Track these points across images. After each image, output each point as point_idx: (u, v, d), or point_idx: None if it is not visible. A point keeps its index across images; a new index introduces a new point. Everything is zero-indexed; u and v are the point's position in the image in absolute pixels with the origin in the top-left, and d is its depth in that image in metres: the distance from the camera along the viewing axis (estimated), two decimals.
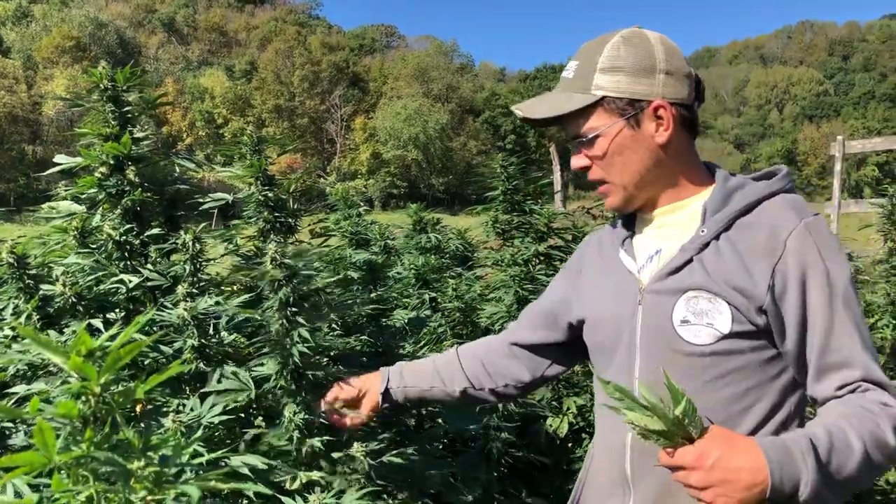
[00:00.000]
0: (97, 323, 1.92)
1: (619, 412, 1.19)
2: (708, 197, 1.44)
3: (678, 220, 1.48)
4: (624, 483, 1.47)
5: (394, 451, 2.05)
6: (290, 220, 2.67)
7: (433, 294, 3.67)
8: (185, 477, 0.90)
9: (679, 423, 1.17)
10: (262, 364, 2.02)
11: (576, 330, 1.66)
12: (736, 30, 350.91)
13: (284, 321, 1.95)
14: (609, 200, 1.53)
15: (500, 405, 2.70)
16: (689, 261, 1.39)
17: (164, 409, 1.97)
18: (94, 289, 2.05)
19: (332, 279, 2.43)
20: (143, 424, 1.98)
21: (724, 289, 1.33)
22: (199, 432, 0.88)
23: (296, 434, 1.96)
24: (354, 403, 1.89)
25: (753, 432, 1.35)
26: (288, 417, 1.96)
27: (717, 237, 1.39)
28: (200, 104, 66.51)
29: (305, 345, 1.91)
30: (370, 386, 1.86)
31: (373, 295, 2.67)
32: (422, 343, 3.63)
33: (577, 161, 1.53)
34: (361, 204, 4.86)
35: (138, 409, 2.10)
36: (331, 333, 2.31)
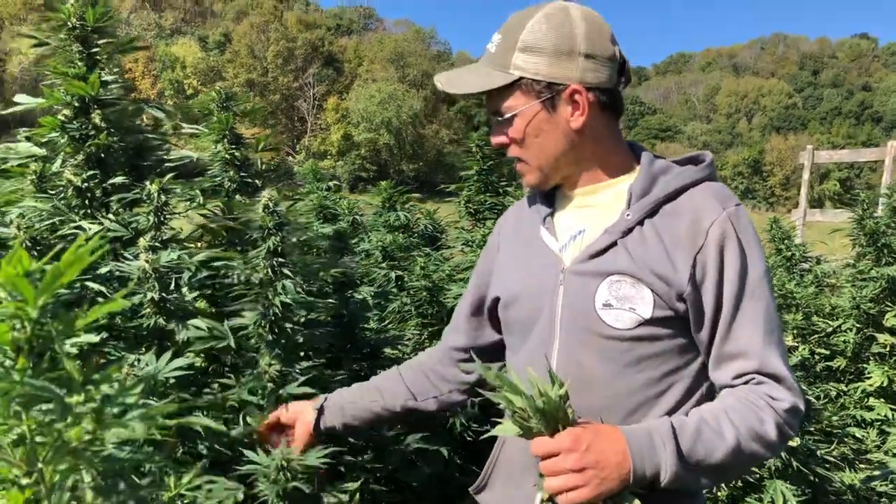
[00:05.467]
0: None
1: (499, 398, 1.22)
2: (633, 180, 1.44)
3: (601, 200, 1.48)
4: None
5: None
6: (256, 181, 2.60)
7: (399, 272, 3.61)
8: (130, 415, 0.83)
9: (559, 407, 1.21)
10: (238, 315, 1.96)
11: (494, 309, 1.64)
12: (711, 37, 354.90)
13: (269, 270, 1.90)
14: (525, 178, 1.52)
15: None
16: (614, 244, 1.39)
17: (119, 365, 1.89)
18: (51, 235, 1.95)
19: (306, 237, 2.38)
20: (97, 377, 1.91)
21: (647, 275, 1.34)
22: (141, 385, 0.81)
23: (270, 385, 1.91)
24: (290, 429, 1.81)
25: (669, 414, 1.37)
26: (263, 368, 1.91)
27: (641, 222, 1.39)
28: (171, 73, 65.38)
29: (288, 296, 1.86)
30: (303, 409, 1.79)
31: (339, 263, 2.61)
32: (387, 321, 3.58)
33: (495, 138, 1.51)
34: (329, 184, 4.80)
35: (93, 363, 2.02)
36: (303, 295, 2.25)
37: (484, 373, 1.25)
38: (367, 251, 4.21)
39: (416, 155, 65.43)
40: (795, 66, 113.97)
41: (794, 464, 2.61)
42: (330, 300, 2.39)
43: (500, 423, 1.32)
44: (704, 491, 1.54)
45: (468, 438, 2.55)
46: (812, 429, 2.90)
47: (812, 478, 2.72)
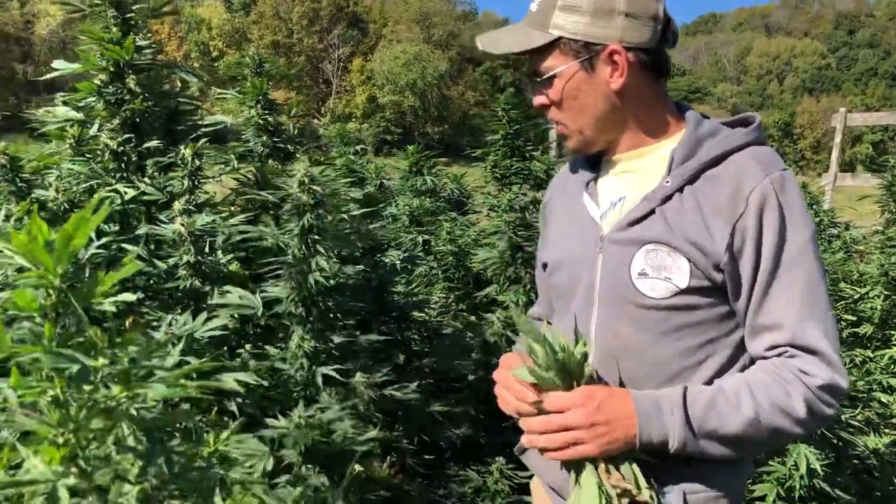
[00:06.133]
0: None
1: (523, 345, 1.24)
2: (676, 143, 1.39)
3: (643, 165, 1.44)
4: None
5: (395, 386, 2.04)
6: (288, 146, 2.62)
7: (426, 237, 3.63)
8: (156, 376, 0.86)
9: (578, 364, 1.23)
10: (273, 287, 1.99)
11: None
12: None
13: (304, 247, 1.92)
14: (567, 143, 1.51)
15: (491, 339, 2.68)
16: (652, 212, 1.36)
17: (156, 325, 1.95)
18: (88, 197, 2.00)
19: (337, 204, 2.40)
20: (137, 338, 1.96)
21: (683, 244, 1.31)
22: (181, 344, 0.84)
23: (303, 361, 1.95)
24: None
25: (708, 384, 1.35)
26: (296, 343, 1.94)
27: (681, 189, 1.35)
28: (196, 35, 65.22)
29: (322, 274, 1.88)
30: None
31: (371, 228, 2.64)
32: (414, 285, 3.62)
33: (537, 99, 1.48)
34: (357, 142, 4.80)
35: (129, 322, 2.08)
36: (335, 264, 2.28)
37: (517, 320, 1.27)
38: (395, 216, 4.24)
39: (442, 117, 64.88)
40: (830, 26, 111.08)
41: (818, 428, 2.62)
42: (359, 266, 2.43)
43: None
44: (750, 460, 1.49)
45: (495, 400, 2.58)
46: None
47: (836, 442, 2.73)
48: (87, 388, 0.87)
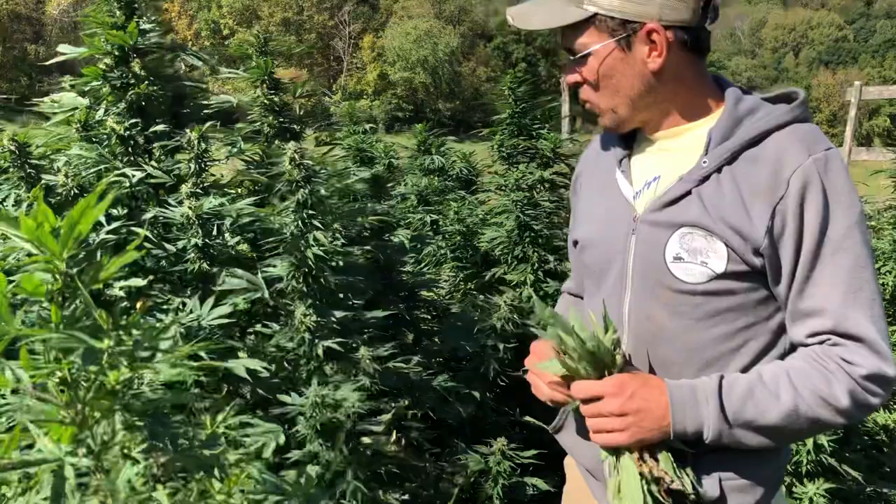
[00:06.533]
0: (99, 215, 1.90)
1: (551, 335, 1.21)
2: (714, 123, 1.34)
3: (681, 145, 1.39)
4: None
5: (398, 359, 2.06)
6: (294, 126, 2.63)
7: (435, 216, 3.64)
8: (159, 358, 0.89)
9: (607, 351, 1.21)
10: (273, 266, 2.02)
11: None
12: None
13: (300, 223, 1.94)
14: (600, 120, 1.45)
15: (498, 324, 2.70)
16: (688, 193, 1.31)
17: (165, 308, 1.98)
18: (97, 182, 2.02)
19: (343, 184, 2.42)
20: (142, 321, 2.00)
21: (720, 227, 1.26)
22: (171, 330, 0.86)
23: (306, 335, 1.97)
24: None
25: (745, 371, 1.32)
26: (299, 318, 1.97)
27: (719, 170, 1.30)
28: (207, 13, 65.03)
29: (320, 247, 1.90)
30: None
31: (377, 208, 2.65)
32: (423, 264, 3.64)
33: (569, 77, 1.42)
34: (367, 121, 4.79)
35: (139, 305, 2.11)
36: (338, 243, 2.30)
37: (539, 310, 1.24)
38: (404, 195, 4.25)
39: (453, 94, 64.59)
40: None
41: None
42: (366, 246, 2.44)
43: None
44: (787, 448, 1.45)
45: (501, 383, 2.61)
46: None
47: None
48: (93, 368, 0.90)
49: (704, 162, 1.30)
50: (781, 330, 1.33)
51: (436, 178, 4.48)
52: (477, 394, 2.41)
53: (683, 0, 1.30)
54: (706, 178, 1.30)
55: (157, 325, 0.93)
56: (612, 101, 1.38)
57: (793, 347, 1.34)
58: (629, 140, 1.48)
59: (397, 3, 71.63)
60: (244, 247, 2.32)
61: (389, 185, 4.45)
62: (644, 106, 1.38)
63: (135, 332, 0.91)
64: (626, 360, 1.26)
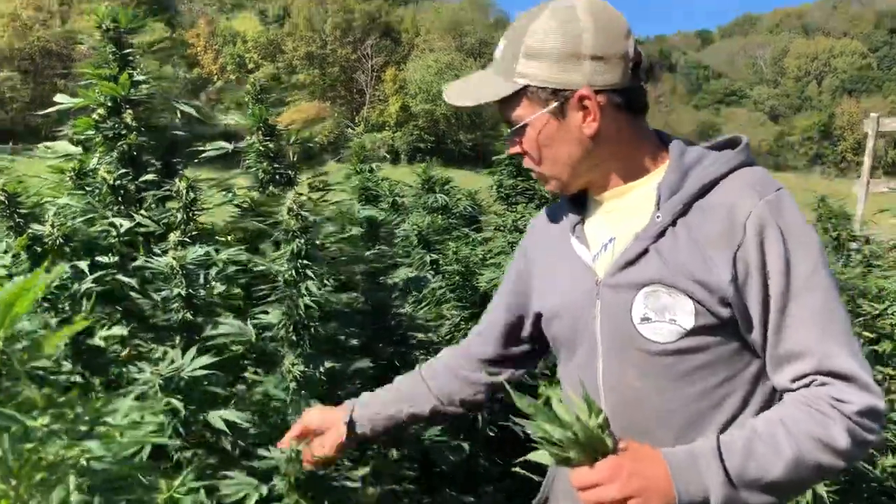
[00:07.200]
0: (83, 265, 1.92)
1: (534, 427, 1.16)
2: (662, 177, 1.34)
3: (630, 203, 1.38)
4: None
5: None
6: (289, 172, 2.66)
7: (434, 256, 3.64)
8: (97, 432, 0.89)
9: (596, 436, 1.16)
10: (265, 312, 2.03)
11: (538, 324, 1.56)
12: None
13: (294, 272, 1.95)
14: (547, 186, 1.45)
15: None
16: (646, 251, 1.30)
17: (150, 357, 1.99)
18: (85, 231, 2.05)
19: (343, 235, 2.43)
20: (125, 370, 2.01)
21: (683, 282, 1.25)
22: (108, 408, 0.85)
23: (293, 385, 1.97)
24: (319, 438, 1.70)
25: (726, 426, 1.29)
26: (287, 368, 1.98)
27: (673, 223, 1.29)
28: (232, 48, 66.28)
29: (312, 298, 1.91)
30: (334, 419, 1.66)
31: (370, 253, 2.65)
32: (424, 304, 3.63)
33: (511, 149, 1.44)
34: (386, 156, 4.85)
35: (124, 354, 2.13)
36: (328, 290, 2.30)
37: (518, 401, 1.18)
38: (406, 234, 4.26)
39: (474, 124, 64.99)
40: (871, 25, 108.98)
41: None
42: (355, 293, 2.44)
43: (535, 448, 1.23)
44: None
45: (491, 434, 2.58)
46: None
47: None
48: (28, 446, 0.91)
49: (658, 217, 1.30)
50: (758, 379, 1.31)
51: (439, 216, 4.49)
52: (466, 445, 2.39)
53: (611, 64, 1.31)
54: (662, 233, 1.30)
55: (95, 402, 0.93)
56: (554, 169, 1.39)
57: (773, 392, 1.32)
58: (580, 206, 1.48)
59: (419, 37, 72.63)
60: (239, 292, 2.33)
61: (395, 222, 4.47)
62: (585, 170, 1.38)
63: (75, 408, 0.92)
64: (616, 441, 1.20)
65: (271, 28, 70.50)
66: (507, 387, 1.24)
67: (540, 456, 1.23)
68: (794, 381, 1.25)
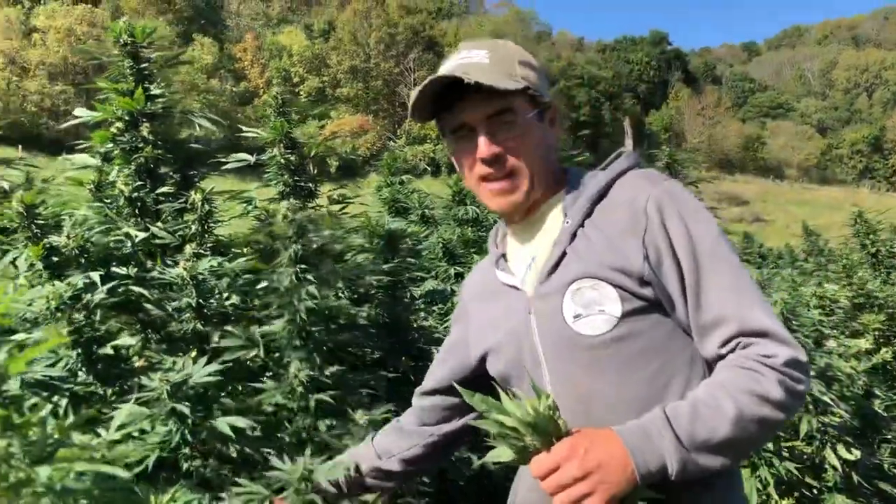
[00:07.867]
0: (95, 276, 1.94)
1: (487, 423, 1.19)
2: (563, 191, 1.48)
3: (540, 223, 1.50)
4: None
5: None
6: (309, 184, 2.67)
7: (459, 269, 3.62)
8: (59, 455, 0.88)
9: (548, 417, 1.19)
10: (271, 322, 2.04)
11: (483, 367, 1.59)
12: (830, 8, 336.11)
13: (293, 277, 1.97)
14: (511, 197, 1.46)
15: None
16: (564, 254, 1.40)
17: (161, 367, 2.00)
18: (101, 242, 2.08)
19: (364, 247, 2.43)
20: (139, 379, 2.03)
21: (603, 271, 1.34)
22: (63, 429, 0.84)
23: (300, 389, 1.98)
24: None
25: None
26: (292, 373, 1.98)
27: (582, 225, 1.40)
28: (278, 62, 67.29)
29: (313, 301, 1.92)
30: None
31: (387, 266, 2.64)
32: (448, 317, 3.61)
33: (490, 149, 1.44)
34: (427, 168, 4.86)
35: (139, 364, 2.15)
36: (338, 301, 2.30)
37: (469, 399, 1.22)
38: (434, 245, 4.25)
39: None
40: None
41: (855, 478, 2.49)
42: (372, 303, 2.44)
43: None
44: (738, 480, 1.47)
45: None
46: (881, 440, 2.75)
47: (873, 491, 2.59)
48: None
49: (567, 222, 1.41)
50: (697, 360, 1.38)
51: (469, 228, 4.47)
52: (475, 457, 2.37)
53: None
54: (574, 235, 1.40)
55: (60, 424, 0.93)
56: (533, 166, 1.46)
57: (710, 368, 1.38)
58: (500, 245, 1.59)
59: None
60: (257, 302, 2.34)
61: (424, 234, 4.46)
62: (545, 175, 1.47)
63: (35, 430, 0.91)
64: (567, 426, 1.23)
65: (316, 42, 71.44)
66: (458, 387, 1.34)
67: (499, 453, 1.25)
68: (721, 346, 1.32)
